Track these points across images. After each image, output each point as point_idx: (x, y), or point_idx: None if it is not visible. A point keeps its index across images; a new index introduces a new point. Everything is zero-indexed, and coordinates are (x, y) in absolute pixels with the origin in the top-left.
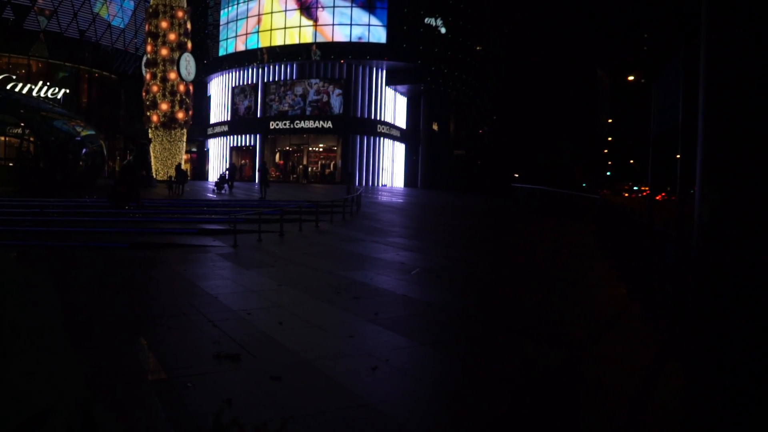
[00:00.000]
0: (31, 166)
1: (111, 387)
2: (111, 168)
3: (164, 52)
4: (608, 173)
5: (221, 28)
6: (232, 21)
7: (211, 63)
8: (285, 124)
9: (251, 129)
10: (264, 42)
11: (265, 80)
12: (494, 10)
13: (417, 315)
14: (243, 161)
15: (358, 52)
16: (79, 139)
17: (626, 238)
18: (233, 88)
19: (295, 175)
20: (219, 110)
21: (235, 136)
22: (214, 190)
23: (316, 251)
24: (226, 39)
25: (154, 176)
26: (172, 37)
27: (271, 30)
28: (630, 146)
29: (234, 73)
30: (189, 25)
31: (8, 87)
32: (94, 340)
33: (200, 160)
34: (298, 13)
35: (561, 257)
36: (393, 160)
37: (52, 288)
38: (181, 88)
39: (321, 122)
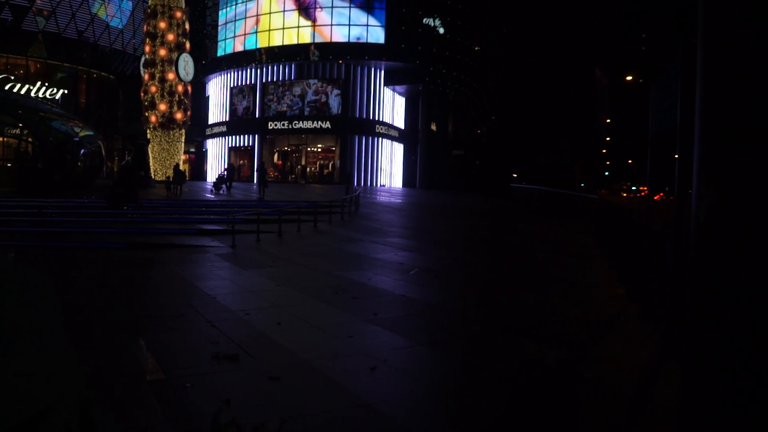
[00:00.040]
0: (30, 166)
1: (110, 387)
2: (109, 168)
3: (162, 52)
4: (606, 173)
5: (219, 28)
6: (231, 21)
7: (209, 63)
8: (283, 125)
9: (250, 129)
10: (262, 42)
11: (264, 80)
12: (493, 10)
13: (416, 315)
14: (241, 161)
15: (356, 52)
16: (77, 139)
17: (625, 238)
18: (231, 89)
19: (293, 176)
20: (217, 110)
21: (234, 137)
22: (212, 191)
23: (315, 251)
24: (225, 39)
25: (153, 177)
26: (170, 37)
27: (269, 30)
28: (628, 146)
29: (232, 73)
30: (187, 26)
31: (6, 87)
32: (92, 340)
33: (199, 160)
34: (296, 13)
35: (560, 257)
36: (391, 161)
37: (50, 288)
38: (180, 88)
39: (319, 122)
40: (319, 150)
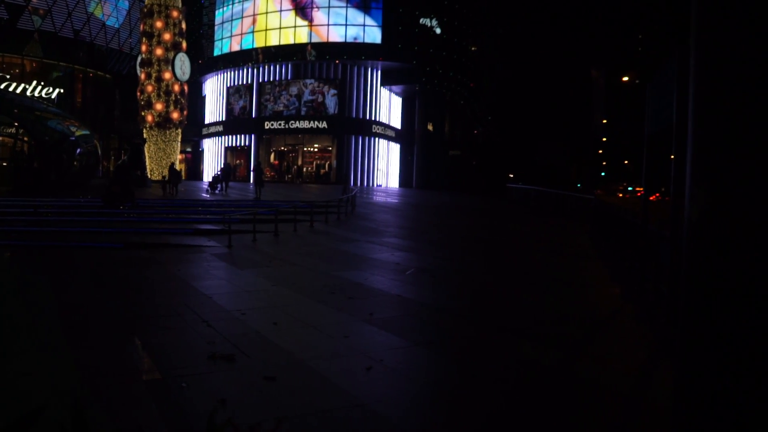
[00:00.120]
0: (25, 165)
1: (106, 387)
2: (105, 168)
3: (159, 51)
4: (603, 173)
5: (216, 28)
6: (227, 21)
7: (206, 63)
8: (280, 124)
9: (246, 129)
10: (259, 42)
11: (260, 80)
12: (489, 11)
13: (411, 315)
14: (238, 161)
15: (353, 52)
16: (73, 138)
17: (621, 238)
18: (228, 88)
19: (290, 175)
20: (214, 110)
21: (230, 136)
22: (207, 191)
23: (311, 251)
24: (221, 39)
25: (149, 176)
26: (166, 36)
27: (266, 30)
28: (624, 147)
29: (229, 73)
30: (184, 25)
31: (2, 86)
32: (88, 340)
33: (195, 160)
34: (293, 13)
35: (555, 257)
36: (388, 161)
37: (46, 288)
38: (176, 88)
39: (316, 122)
40: (316, 150)
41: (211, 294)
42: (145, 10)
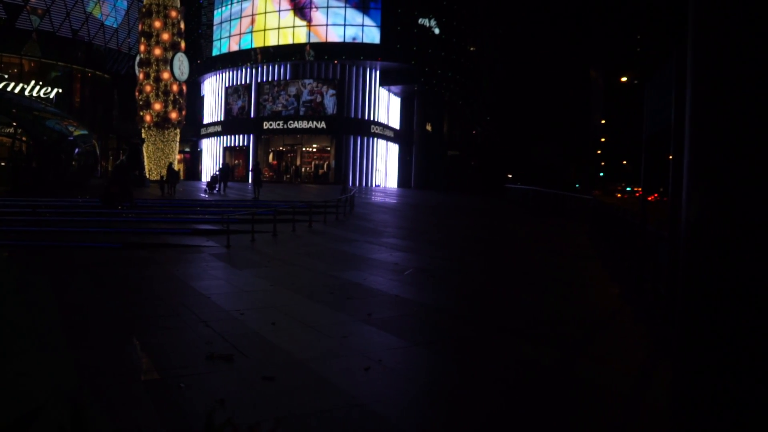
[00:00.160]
0: (24, 165)
1: (105, 387)
2: (104, 168)
3: (157, 51)
4: (601, 174)
5: (215, 28)
6: (226, 21)
7: (204, 63)
8: (278, 125)
9: (245, 129)
10: (257, 42)
11: (259, 80)
12: (488, 11)
13: (410, 315)
14: (236, 161)
15: (351, 52)
16: (71, 138)
17: (619, 238)
18: (227, 88)
19: (288, 176)
20: (212, 110)
21: (229, 136)
22: (206, 191)
23: (310, 251)
24: (220, 39)
25: (147, 176)
26: (165, 36)
27: (264, 30)
28: (623, 147)
29: (227, 73)
30: (182, 25)
31: (0, 86)
32: (87, 340)
33: (193, 160)
34: (291, 13)
35: (554, 257)
36: (386, 161)
37: (45, 288)
38: (175, 88)
39: (314, 122)
40: (315, 150)
41: (210, 294)
42: (144, 9)
